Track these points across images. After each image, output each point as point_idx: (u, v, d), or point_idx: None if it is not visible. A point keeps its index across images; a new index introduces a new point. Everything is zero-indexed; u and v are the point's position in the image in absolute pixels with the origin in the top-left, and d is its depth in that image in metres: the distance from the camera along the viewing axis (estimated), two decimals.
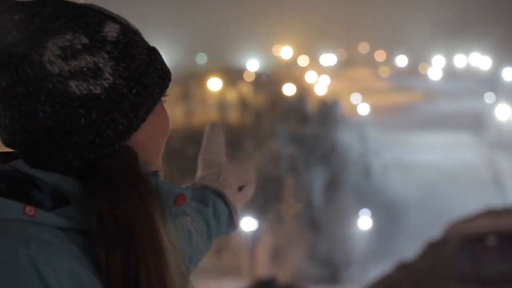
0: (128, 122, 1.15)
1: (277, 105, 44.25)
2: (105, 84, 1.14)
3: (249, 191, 1.82)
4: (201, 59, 61.28)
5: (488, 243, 18.95)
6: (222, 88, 48.61)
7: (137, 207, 1.11)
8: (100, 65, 1.13)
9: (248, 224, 33.27)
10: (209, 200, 1.68)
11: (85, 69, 1.13)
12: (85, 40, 1.14)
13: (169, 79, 1.21)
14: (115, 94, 1.14)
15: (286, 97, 47.61)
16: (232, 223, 1.74)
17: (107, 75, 1.14)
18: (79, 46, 1.13)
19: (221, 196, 1.71)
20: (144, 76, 1.17)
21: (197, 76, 49.00)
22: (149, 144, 1.18)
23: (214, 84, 48.80)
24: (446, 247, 19.81)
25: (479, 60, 70.59)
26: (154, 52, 1.21)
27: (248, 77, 54.15)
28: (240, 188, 1.80)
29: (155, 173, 1.19)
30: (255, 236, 33.61)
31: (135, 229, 1.10)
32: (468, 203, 35.08)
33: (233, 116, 44.42)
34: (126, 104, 1.15)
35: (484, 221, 20.01)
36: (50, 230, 1.08)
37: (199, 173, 1.77)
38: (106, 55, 1.14)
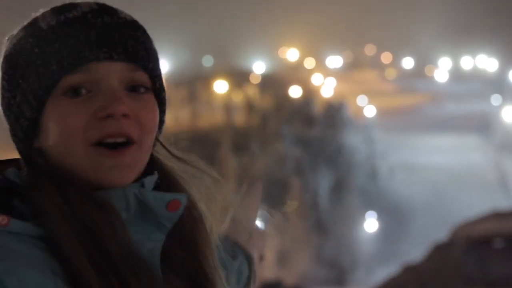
0: (17, 133, 1.19)
1: (283, 107, 44.26)
2: (0, 101, 1.21)
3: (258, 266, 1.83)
4: (208, 61, 61.37)
5: (494, 245, 18.92)
6: (228, 90, 48.67)
7: (40, 211, 1.12)
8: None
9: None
10: (237, 257, 1.62)
11: None
12: None
13: (57, 73, 1.14)
14: (6, 108, 1.19)
15: (292, 99, 47.62)
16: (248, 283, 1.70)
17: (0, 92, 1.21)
18: None
19: (248, 259, 1.65)
20: (24, 80, 1.16)
21: (203, 78, 49.06)
22: (54, 149, 1.16)
23: (220, 86, 48.86)
24: (453, 249, 19.78)
25: (486, 62, 70.49)
26: (46, 45, 1.16)
27: (254, 79, 54.18)
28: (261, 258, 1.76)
29: (140, 183, 1.18)
30: None
31: (52, 234, 1.10)
32: (474, 205, 35.04)
33: (239, 118, 44.44)
34: (12, 116, 1.18)
35: (490, 224, 19.97)
36: (23, 239, 1.07)
37: (227, 228, 1.70)
38: (0, 73, 1.21)
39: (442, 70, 71.15)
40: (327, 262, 34.15)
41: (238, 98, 47.35)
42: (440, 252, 20.56)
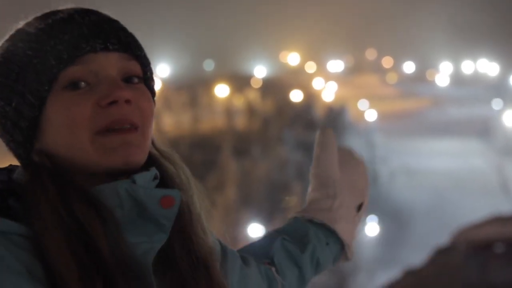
0: (17, 137, 1.19)
1: (284, 112, 44.26)
2: None
3: (365, 207, 1.72)
4: (208, 65, 61.37)
5: (495, 250, 18.91)
6: (229, 95, 48.67)
7: (34, 209, 1.12)
8: None
9: (255, 231, 33.25)
10: (308, 245, 1.57)
11: None
12: None
13: (56, 67, 1.16)
14: (0, 117, 1.19)
15: (293, 104, 47.61)
16: (344, 256, 1.64)
17: None
18: None
19: (331, 232, 1.60)
20: (19, 83, 1.16)
21: (204, 83, 49.03)
22: (58, 142, 1.16)
23: (221, 90, 48.86)
24: (454, 254, 19.76)
25: (487, 66, 70.49)
26: (40, 44, 1.17)
27: (255, 84, 54.18)
28: (359, 207, 1.69)
29: (131, 179, 1.17)
30: None
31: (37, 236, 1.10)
32: (476, 209, 34.98)
33: (241, 122, 44.44)
34: (9, 122, 1.18)
35: (491, 228, 19.96)
36: (9, 237, 1.07)
37: (310, 193, 1.66)
38: None
39: (443, 75, 71.16)
40: None
41: (239, 102, 47.34)
42: (441, 256, 20.55)
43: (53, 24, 1.18)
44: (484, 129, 51.35)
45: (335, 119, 44.04)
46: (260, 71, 61.16)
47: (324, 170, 1.62)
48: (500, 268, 18.41)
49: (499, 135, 49.91)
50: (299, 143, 40.46)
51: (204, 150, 32.38)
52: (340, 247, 1.62)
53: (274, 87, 51.38)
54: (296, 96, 49.35)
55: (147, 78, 1.25)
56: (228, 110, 45.38)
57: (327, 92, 57.84)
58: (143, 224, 1.16)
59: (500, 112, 53.47)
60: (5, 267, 1.03)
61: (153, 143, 1.27)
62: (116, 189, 1.14)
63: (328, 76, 64.23)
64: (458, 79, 69.76)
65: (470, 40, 78.34)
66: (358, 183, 1.69)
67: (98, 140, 1.15)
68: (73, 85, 1.16)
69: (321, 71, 66.90)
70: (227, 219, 32.50)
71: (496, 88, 59.70)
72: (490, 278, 18.41)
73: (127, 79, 1.20)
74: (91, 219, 1.10)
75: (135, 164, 1.18)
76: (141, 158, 1.18)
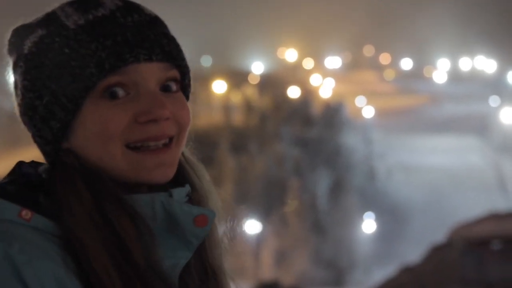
0: (45, 134, 1.14)
1: (281, 108, 44.27)
2: (19, 100, 1.16)
3: None
4: (206, 61, 61.37)
5: (492, 247, 18.93)
6: (227, 91, 48.68)
7: (66, 211, 1.09)
8: (17, 82, 1.16)
9: (252, 226, 33.29)
10: None
11: (12, 89, 1.18)
12: (13, 60, 1.17)
13: (96, 75, 1.10)
14: (27, 109, 1.14)
15: (291, 100, 47.62)
16: None
17: (19, 91, 1.15)
18: (11, 67, 1.17)
19: None
20: (53, 81, 1.12)
21: (202, 79, 49.02)
22: (90, 149, 1.12)
23: (219, 86, 48.86)
24: (450, 251, 19.78)
25: (484, 63, 70.56)
26: (79, 45, 1.12)
27: (253, 80, 54.19)
28: None
29: (168, 193, 1.15)
30: (260, 238, 33.61)
31: (71, 235, 1.08)
32: (472, 206, 35.04)
33: (238, 118, 44.45)
34: (37, 117, 1.13)
35: (488, 225, 19.99)
36: (44, 235, 1.06)
37: None
38: (19, 70, 1.15)
39: (440, 71, 71.23)
40: (325, 262, 34.15)
41: (236, 98, 47.35)
42: (438, 253, 20.57)
43: (94, 23, 1.12)
44: (481, 126, 51.41)
45: (332, 115, 44.06)
46: (257, 67, 61.20)
47: None
48: (496, 265, 18.44)
49: (496, 132, 49.97)
50: (296, 139, 40.49)
51: (201, 146, 32.29)
52: None
53: (272, 83, 51.40)
54: (293, 92, 49.36)
55: (185, 84, 1.23)
56: (226, 106, 45.40)
57: (325, 88, 57.86)
58: (171, 238, 1.14)
59: (497, 109, 53.53)
60: (44, 255, 1.02)
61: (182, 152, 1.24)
62: (152, 201, 1.12)
63: (325, 73, 64.27)
64: (455, 75, 69.83)
65: (467, 37, 78.41)
66: None
67: (130, 155, 1.12)
68: (111, 94, 1.11)
69: (319, 67, 66.95)
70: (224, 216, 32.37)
71: (493, 85, 59.79)
72: (486, 274, 18.44)
73: (166, 87, 1.16)
74: (127, 226, 1.08)
75: (164, 182, 1.15)
76: (171, 175, 1.16)
